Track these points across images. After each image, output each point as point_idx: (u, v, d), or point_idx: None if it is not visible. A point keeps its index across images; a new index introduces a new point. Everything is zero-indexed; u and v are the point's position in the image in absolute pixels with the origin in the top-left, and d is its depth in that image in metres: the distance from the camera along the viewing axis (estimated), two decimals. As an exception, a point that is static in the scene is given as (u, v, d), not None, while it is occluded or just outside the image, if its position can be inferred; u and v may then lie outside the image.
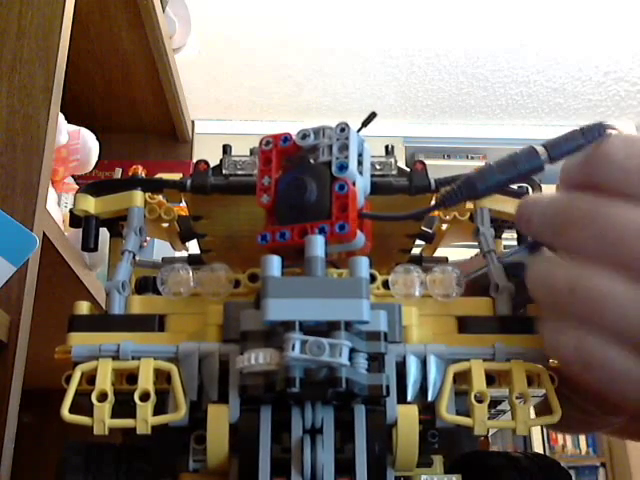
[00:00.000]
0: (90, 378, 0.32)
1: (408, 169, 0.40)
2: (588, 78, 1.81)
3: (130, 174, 0.41)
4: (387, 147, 0.41)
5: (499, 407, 0.38)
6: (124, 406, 0.32)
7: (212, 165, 0.40)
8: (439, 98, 1.90)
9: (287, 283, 0.30)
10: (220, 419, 0.31)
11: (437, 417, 0.33)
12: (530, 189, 0.42)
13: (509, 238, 0.44)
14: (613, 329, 0.26)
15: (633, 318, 0.26)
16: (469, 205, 0.43)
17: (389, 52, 1.72)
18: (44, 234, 0.55)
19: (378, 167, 0.39)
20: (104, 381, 0.32)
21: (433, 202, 0.34)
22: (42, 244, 0.54)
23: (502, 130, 2.02)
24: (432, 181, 0.40)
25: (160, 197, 0.42)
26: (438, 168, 1.93)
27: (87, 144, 0.76)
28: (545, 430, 1.75)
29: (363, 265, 0.31)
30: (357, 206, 0.32)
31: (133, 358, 0.33)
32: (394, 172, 0.40)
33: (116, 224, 0.42)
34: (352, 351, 0.30)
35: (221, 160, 0.40)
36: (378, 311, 0.32)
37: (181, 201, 0.42)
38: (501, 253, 0.44)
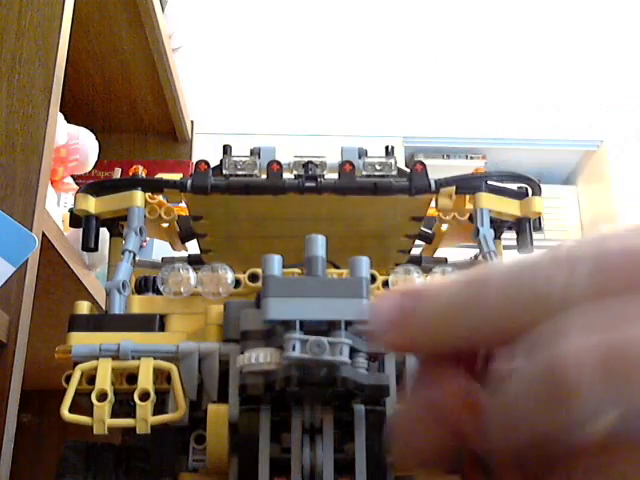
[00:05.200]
0: (90, 378, 0.32)
1: (408, 170, 0.40)
2: (588, 78, 1.81)
3: (130, 174, 0.41)
4: (387, 148, 0.41)
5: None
6: (124, 406, 0.33)
7: (212, 165, 0.40)
8: (439, 98, 1.90)
9: (288, 282, 0.30)
10: (220, 419, 0.31)
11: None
12: (530, 190, 0.43)
13: (509, 238, 0.44)
14: None
15: None
16: (469, 205, 0.43)
17: (389, 52, 1.73)
18: (43, 234, 0.55)
19: (378, 167, 0.39)
20: (104, 381, 0.32)
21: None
22: (41, 244, 0.54)
23: (501, 130, 2.01)
24: (432, 182, 0.40)
25: (160, 197, 0.42)
26: (438, 168, 1.93)
27: (86, 144, 0.76)
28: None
29: (364, 265, 0.31)
30: None
31: (133, 358, 0.33)
32: (394, 172, 0.40)
33: (116, 224, 0.43)
34: (352, 351, 0.30)
35: (221, 160, 0.40)
36: (378, 311, 0.32)
37: (181, 201, 0.42)
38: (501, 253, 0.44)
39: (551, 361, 0.15)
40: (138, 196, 0.40)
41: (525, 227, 0.42)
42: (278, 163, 0.40)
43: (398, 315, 0.18)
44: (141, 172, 0.41)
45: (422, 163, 0.40)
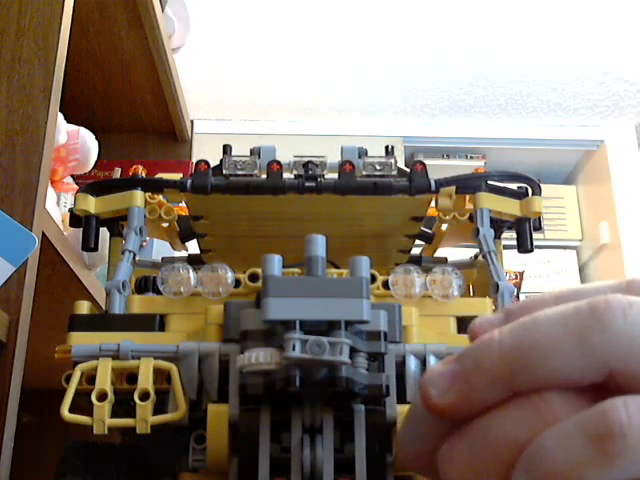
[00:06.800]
0: (90, 378, 0.32)
1: (408, 170, 0.40)
2: (588, 78, 1.81)
3: (130, 174, 0.41)
4: (387, 147, 0.41)
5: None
6: (124, 406, 0.33)
7: (212, 165, 0.40)
8: (439, 98, 1.90)
9: (288, 282, 0.30)
10: (220, 419, 0.31)
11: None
12: (530, 190, 0.43)
13: (509, 238, 0.44)
14: None
15: None
16: (469, 205, 0.43)
17: (389, 52, 1.72)
18: (43, 234, 0.55)
19: (378, 167, 0.39)
20: (104, 380, 0.32)
21: None
22: (41, 244, 0.54)
23: (501, 130, 2.01)
24: (432, 182, 0.40)
25: (160, 197, 0.42)
26: (438, 168, 1.92)
27: (86, 144, 0.76)
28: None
29: (364, 265, 0.31)
30: None
31: (133, 358, 0.33)
32: (394, 172, 0.40)
33: (116, 224, 0.43)
34: (352, 351, 0.30)
35: (221, 160, 0.40)
36: (378, 311, 0.32)
37: (181, 201, 0.42)
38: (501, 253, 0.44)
39: None
40: (138, 196, 0.40)
41: (525, 227, 0.42)
42: (278, 163, 0.40)
43: (456, 377, 0.18)
44: (141, 172, 0.41)
45: (422, 163, 0.40)
